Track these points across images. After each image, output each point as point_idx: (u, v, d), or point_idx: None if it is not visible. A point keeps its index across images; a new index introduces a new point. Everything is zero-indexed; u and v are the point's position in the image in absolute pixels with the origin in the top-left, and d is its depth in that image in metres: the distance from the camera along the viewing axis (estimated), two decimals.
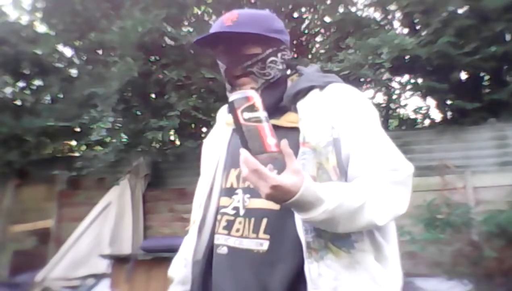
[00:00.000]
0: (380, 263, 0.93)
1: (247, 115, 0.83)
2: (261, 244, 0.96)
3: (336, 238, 0.91)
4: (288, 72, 1.12)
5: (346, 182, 0.95)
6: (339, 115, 0.99)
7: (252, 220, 0.99)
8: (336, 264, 0.90)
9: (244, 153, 0.81)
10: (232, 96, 0.86)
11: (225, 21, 1.04)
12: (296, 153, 0.94)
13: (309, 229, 0.92)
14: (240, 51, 1.06)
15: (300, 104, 1.04)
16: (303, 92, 1.05)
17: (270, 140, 0.82)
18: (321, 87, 1.05)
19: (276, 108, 1.06)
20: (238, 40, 1.05)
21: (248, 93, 0.86)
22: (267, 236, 0.96)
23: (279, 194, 0.81)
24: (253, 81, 1.06)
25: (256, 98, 0.85)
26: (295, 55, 5.23)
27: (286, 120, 1.05)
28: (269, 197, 0.82)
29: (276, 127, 1.02)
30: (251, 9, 1.13)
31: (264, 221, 0.97)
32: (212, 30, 1.05)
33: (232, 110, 0.84)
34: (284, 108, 1.06)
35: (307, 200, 0.83)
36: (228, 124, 1.16)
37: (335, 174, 0.95)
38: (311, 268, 0.90)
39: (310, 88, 1.05)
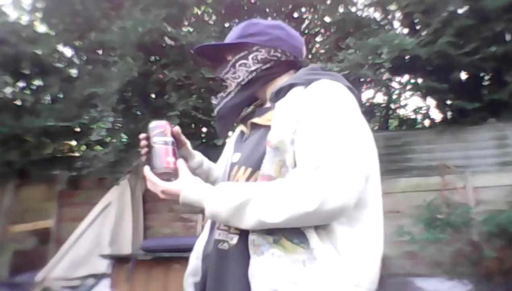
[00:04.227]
0: (342, 256, 0.90)
1: (155, 139, 1.10)
2: (231, 238, 1.02)
3: (292, 234, 0.91)
4: (267, 66, 1.14)
5: None
6: (302, 112, 0.97)
7: None
8: (281, 259, 0.90)
9: (145, 169, 1.08)
10: (150, 124, 1.14)
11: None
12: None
13: None
14: (218, 61, 1.20)
15: (278, 103, 1.05)
16: (283, 91, 1.05)
17: (168, 159, 1.07)
18: (305, 85, 1.03)
19: (259, 107, 1.17)
20: (216, 52, 1.22)
21: (159, 123, 1.13)
22: (238, 232, 1.00)
23: (169, 196, 1.03)
24: (229, 86, 1.18)
25: (164, 127, 1.12)
26: None
27: (266, 118, 1.09)
28: (166, 199, 1.05)
29: (256, 125, 1.12)
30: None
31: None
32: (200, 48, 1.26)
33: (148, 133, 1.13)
34: (271, 107, 1.09)
35: (192, 199, 1.00)
36: (237, 124, 1.25)
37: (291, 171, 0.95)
38: (252, 264, 0.93)
39: (291, 86, 1.04)
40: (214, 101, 1.22)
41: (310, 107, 0.96)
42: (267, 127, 1.04)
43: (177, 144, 1.16)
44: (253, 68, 1.13)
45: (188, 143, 1.24)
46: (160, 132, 1.11)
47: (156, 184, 1.04)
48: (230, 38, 1.19)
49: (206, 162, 1.32)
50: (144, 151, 1.15)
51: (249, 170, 1.04)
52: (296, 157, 0.93)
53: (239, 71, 1.14)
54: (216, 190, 0.97)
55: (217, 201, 0.95)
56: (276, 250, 0.92)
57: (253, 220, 0.90)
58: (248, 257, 0.95)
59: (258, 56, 1.13)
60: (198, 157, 1.29)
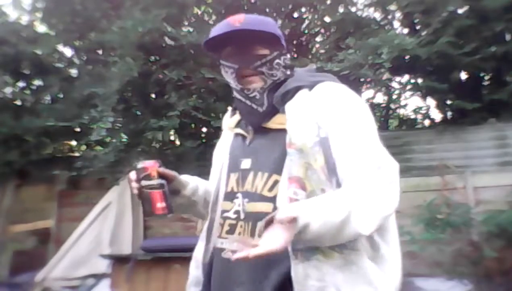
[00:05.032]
0: (375, 262, 0.93)
1: (144, 182, 1.06)
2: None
3: None
4: (287, 71, 1.13)
5: (336, 181, 0.95)
6: (325, 114, 0.99)
7: (250, 223, 1.00)
8: (325, 265, 0.91)
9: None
10: (137, 165, 1.08)
11: (232, 23, 1.05)
12: (285, 154, 0.99)
13: None
14: (251, 51, 1.07)
15: (288, 105, 1.04)
16: (290, 93, 1.05)
17: (158, 205, 1.05)
18: (310, 87, 1.05)
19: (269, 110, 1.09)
20: (249, 40, 1.07)
21: (146, 164, 1.08)
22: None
23: (286, 234, 0.82)
24: (262, 81, 1.08)
25: (152, 169, 1.07)
26: (295, 55, 5.24)
27: (275, 122, 1.07)
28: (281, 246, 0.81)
29: (266, 130, 1.07)
30: (253, 14, 1.15)
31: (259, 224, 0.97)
32: (220, 32, 1.05)
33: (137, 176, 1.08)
34: (275, 110, 1.07)
35: (304, 225, 0.84)
36: (230, 129, 1.19)
37: (323, 174, 0.95)
38: (297, 270, 0.91)
39: (298, 88, 1.05)
40: (257, 95, 1.08)
41: (339, 111, 0.99)
42: (279, 131, 1.03)
43: (167, 180, 1.10)
44: (284, 70, 1.11)
45: (177, 176, 1.16)
46: (147, 176, 1.06)
47: (282, 210, 0.84)
48: (268, 28, 1.08)
49: (202, 184, 1.25)
50: (135, 192, 1.09)
51: (266, 174, 1.02)
52: (342, 161, 0.95)
53: (275, 69, 1.08)
54: (316, 211, 0.87)
55: (321, 223, 0.85)
56: (318, 255, 0.92)
57: (351, 234, 0.88)
58: (261, 263, 0.93)
59: (286, 60, 1.12)
60: (191, 183, 1.21)
